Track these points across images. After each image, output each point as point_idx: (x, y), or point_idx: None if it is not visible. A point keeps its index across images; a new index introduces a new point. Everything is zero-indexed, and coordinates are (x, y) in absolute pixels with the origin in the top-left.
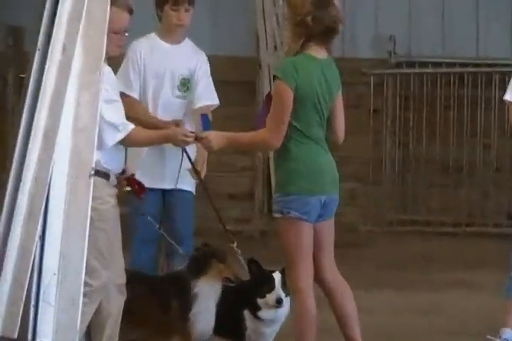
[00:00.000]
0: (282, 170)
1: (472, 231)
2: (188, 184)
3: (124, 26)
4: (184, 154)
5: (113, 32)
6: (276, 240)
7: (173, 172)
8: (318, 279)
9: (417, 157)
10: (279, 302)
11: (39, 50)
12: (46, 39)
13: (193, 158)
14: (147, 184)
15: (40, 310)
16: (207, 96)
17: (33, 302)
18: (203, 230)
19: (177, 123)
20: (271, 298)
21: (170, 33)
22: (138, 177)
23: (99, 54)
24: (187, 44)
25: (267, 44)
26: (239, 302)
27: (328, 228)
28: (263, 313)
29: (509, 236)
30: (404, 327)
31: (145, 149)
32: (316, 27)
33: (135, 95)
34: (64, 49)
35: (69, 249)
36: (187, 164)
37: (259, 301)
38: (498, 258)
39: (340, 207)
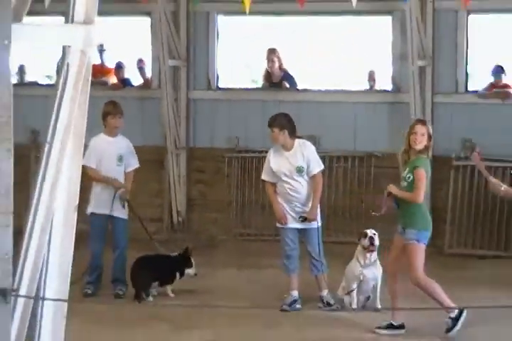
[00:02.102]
0: None
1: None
2: (121, 213)
3: None
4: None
5: None
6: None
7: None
8: None
9: None
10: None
11: (48, 143)
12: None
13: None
14: (96, 210)
15: None
16: (133, 164)
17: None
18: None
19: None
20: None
21: (111, 132)
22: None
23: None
24: (120, 137)
25: (171, 136)
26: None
27: None
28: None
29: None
30: None
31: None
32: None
33: (93, 166)
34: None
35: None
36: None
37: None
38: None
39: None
